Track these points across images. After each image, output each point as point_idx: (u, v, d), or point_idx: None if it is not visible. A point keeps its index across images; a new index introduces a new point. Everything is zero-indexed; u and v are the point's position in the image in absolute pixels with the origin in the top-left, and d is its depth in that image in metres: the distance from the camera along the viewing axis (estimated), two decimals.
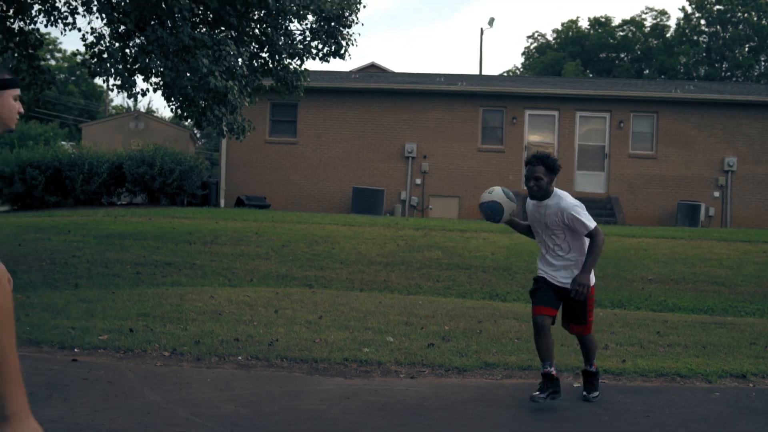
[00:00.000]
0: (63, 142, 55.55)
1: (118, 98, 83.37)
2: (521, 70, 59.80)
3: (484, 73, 41.90)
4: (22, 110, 3.00)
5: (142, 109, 56.69)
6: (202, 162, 22.71)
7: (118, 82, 11.13)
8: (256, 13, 11.48)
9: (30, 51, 11.90)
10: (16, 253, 12.07)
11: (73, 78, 61.11)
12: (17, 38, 11.80)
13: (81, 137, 60.52)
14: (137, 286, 9.99)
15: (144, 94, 10.42)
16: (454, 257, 12.69)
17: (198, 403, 4.85)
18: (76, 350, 6.12)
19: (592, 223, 5.16)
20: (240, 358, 6.12)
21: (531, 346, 6.84)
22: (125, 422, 4.42)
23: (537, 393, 4.95)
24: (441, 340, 6.96)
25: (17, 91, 2.99)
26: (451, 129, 22.36)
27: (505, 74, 55.57)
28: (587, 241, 5.24)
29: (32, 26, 12.27)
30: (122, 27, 10.26)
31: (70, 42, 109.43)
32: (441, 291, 10.70)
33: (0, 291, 1.47)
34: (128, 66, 11.14)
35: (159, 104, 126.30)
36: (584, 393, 5.37)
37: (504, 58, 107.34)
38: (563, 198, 5.24)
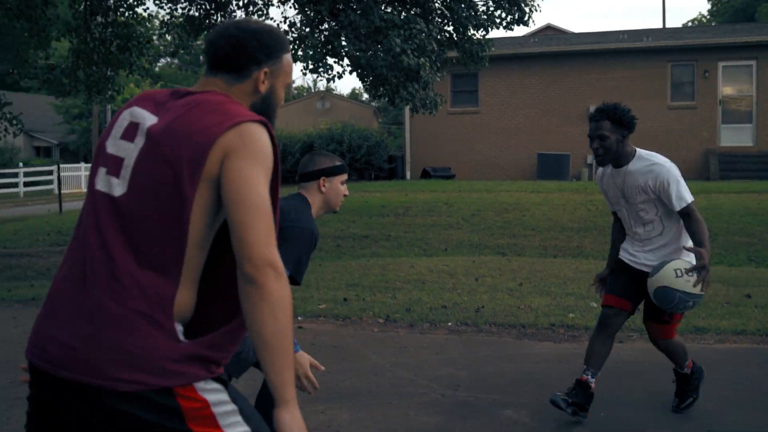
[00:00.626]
0: None
1: (298, 80, 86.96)
2: (707, 18, 56.08)
3: (667, 24, 39.80)
4: (347, 193, 3.32)
5: (321, 88, 58.95)
6: (387, 136, 23.39)
7: (311, 67, 11.80)
8: None
9: None
10: None
11: None
12: None
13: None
14: (339, 258, 10.61)
15: (340, 76, 10.98)
16: None
17: (418, 366, 5.21)
18: (299, 318, 6.68)
19: (689, 196, 3.95)
20: (450, 324, 6.44)
21: (742, 310, 6.68)
22: (357, 382, 4.85)
23: (560, 394, 4.06)
24: None
25: (345, 176, 3.31)
26: (638, 87, 21.55)
27: (691, 24, 52.43)
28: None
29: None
30: (316, 16, 10.82)
31: None
32: None
33: (283, 280, 1.66)
34: (320, 50, 11.76)
35: (337, 83, 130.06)
36: (674, 403, 4.29)
37: (687, 6, 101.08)
38: (652, 160, 4.02)
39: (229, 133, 1.72)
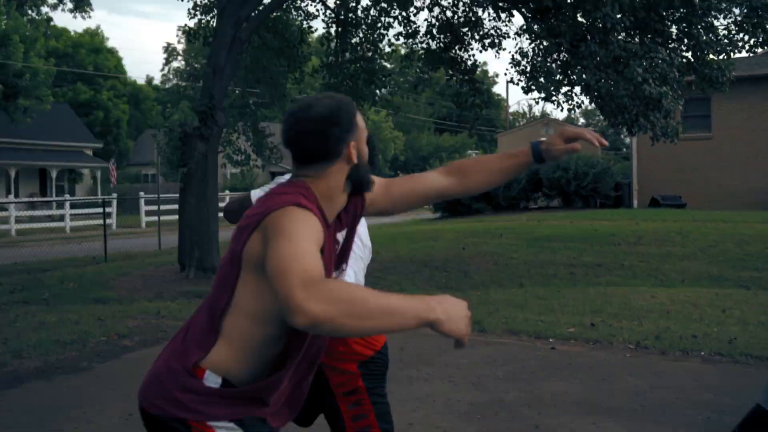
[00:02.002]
0: (469, 151, 59.82)
1: (513, 106, 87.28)
2: None
3: None
4: None
5: (537, 113, 59.01)
6: (614, 164, 23.08)
7: (544, 95, 12.14)
8: (677, 13, 11.60)
9: (469, 75, 13.48)
10: (463, 255, 13.72)
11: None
12: (459, 66, 13.45)
13: (489, 146, 64.43)
14: (574, 285, 10.78)
15: (579, 105, 11.25)
16: None
17: (678, 389, 5.35)
18: (551, 340, 7.01)
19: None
20: (702, 353, 6.47)
21: None
22: (620, 400, 5.10)
23: None
24: None
25: None
26: None
27: None
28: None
29: (468, 53, 13.86)
30: (554, 47, 11.16)
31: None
32: None
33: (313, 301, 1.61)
34: (556, 79, 12.06)
35: (549, 107, 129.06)
36: None
37: None
38: None
39: (274, 212, 1.83)
